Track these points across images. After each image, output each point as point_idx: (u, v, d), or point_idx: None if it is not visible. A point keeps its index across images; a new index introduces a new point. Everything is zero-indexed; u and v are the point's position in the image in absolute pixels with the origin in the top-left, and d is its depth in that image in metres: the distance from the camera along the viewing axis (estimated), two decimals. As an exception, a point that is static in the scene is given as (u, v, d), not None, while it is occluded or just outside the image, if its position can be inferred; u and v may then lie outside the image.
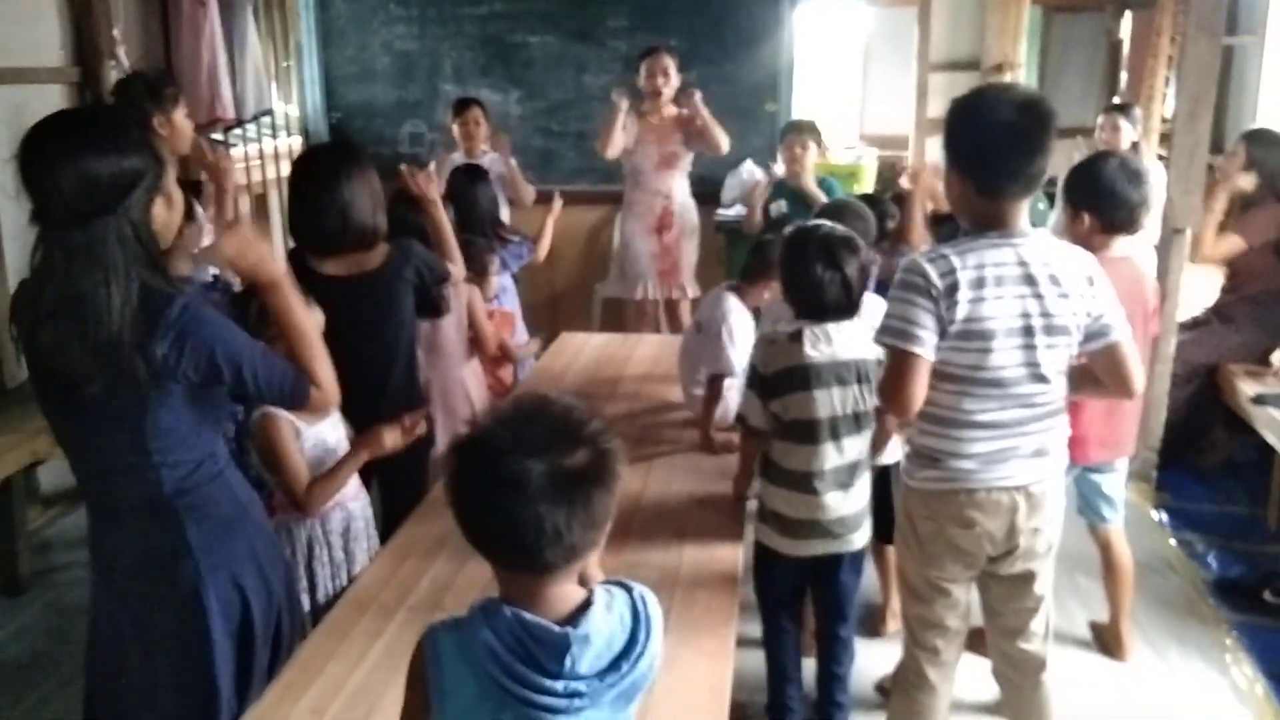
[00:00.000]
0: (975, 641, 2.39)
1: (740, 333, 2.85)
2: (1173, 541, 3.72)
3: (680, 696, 1.71)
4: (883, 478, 2.82)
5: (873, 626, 3.06)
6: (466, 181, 3.86)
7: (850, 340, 2.32)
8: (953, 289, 1.91)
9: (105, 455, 1.73)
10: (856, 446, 2.36)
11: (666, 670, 1.76)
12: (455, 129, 4.70)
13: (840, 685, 2.58)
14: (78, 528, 3.56)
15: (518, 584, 1.22)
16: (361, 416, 2.35)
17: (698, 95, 4.63)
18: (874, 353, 2.26)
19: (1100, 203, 2.65)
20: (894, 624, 3.04)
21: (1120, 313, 2.05)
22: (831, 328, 2.31)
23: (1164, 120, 6.12)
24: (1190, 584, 3.43)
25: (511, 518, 1.15)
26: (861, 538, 2.43)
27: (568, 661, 1.17)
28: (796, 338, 2.30)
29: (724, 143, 4.64)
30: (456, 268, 2.88)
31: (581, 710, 1.19)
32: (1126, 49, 7.44)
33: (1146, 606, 3.26)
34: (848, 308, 2.33)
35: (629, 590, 1.26)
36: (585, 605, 1.22)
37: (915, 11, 6.05)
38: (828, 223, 2.45)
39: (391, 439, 2.27)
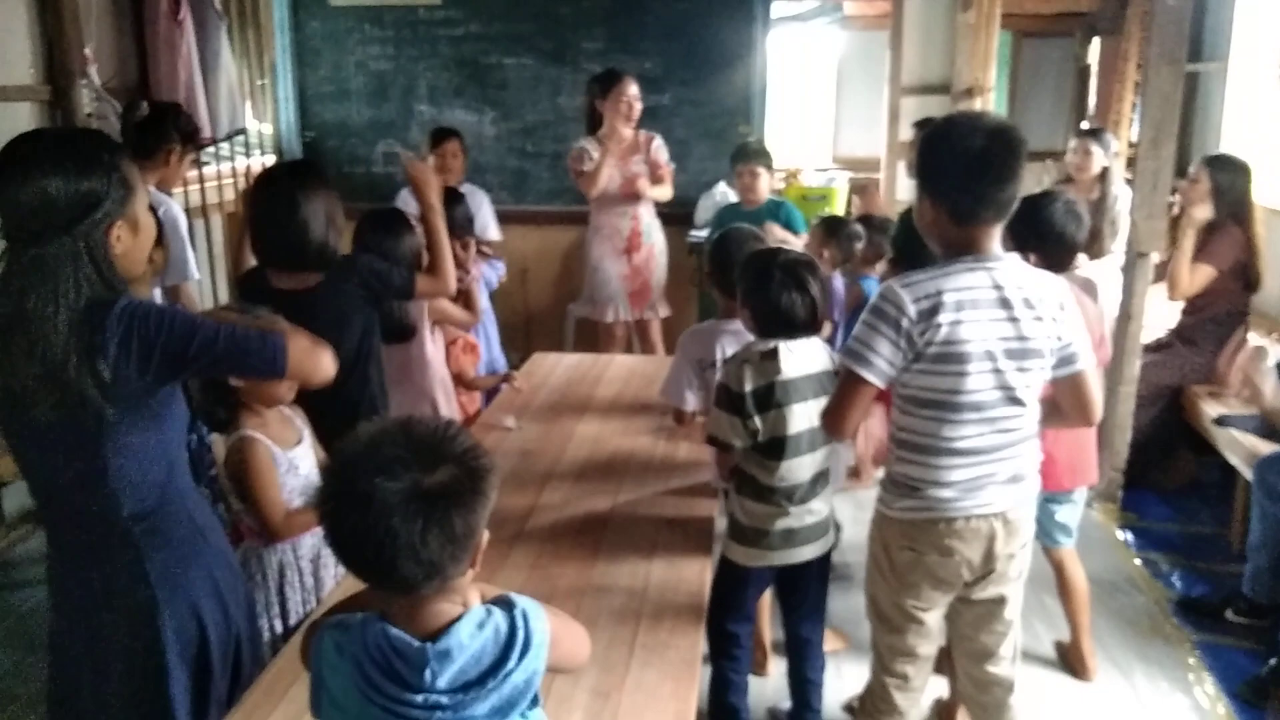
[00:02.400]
0: (938, 661, 2.40)
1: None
2: (1137, 561, 3.76)
3: (646, 718, 1.71)
4: None
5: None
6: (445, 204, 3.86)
7: (811, 353, 2.39)
8: (931, 312, 1.92)
9: (61, 477, 1.70)
10: (823, 455, 2.42)
11: (632, 691, 1.79)
12: (431, 160, 4.69)
13: (815, 691, 2.63)
14: (42, 550, 3.52)
15: (389, 601, 1.25)
16: (322, 433, 2.35)
17: (657, 142, 4.70)
18: (829, 364, 2.40)
19: (1045, 243, 2.68)
20: (830, 641, 2.99)
21: (1086, 341, 2.08)
22: (798, 343, 2.37)
23: (1131, 145, 6.22)
24: (1154, 603, 3.46)
25: (365, 534, 1.17)
26: (828, 541, 2.48)
27: (426, 675, 1.20)
28: (772, 355, 2.34)
29: (664, 197, 4.75)
30: (441, 283, 2.81)
31: None
32: (1095, 74, 7.57)
33: (1111, 625, 3.29)
34: (813, 326, 2.40)
35: (510, 608, 1.27)
36: (454, 622, 1.23)
37: (887, 35, 6.14)
38: (786, 247, 2.52)
39: None
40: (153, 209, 1.84)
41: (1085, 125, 7.02)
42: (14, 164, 1.59)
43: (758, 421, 2.32)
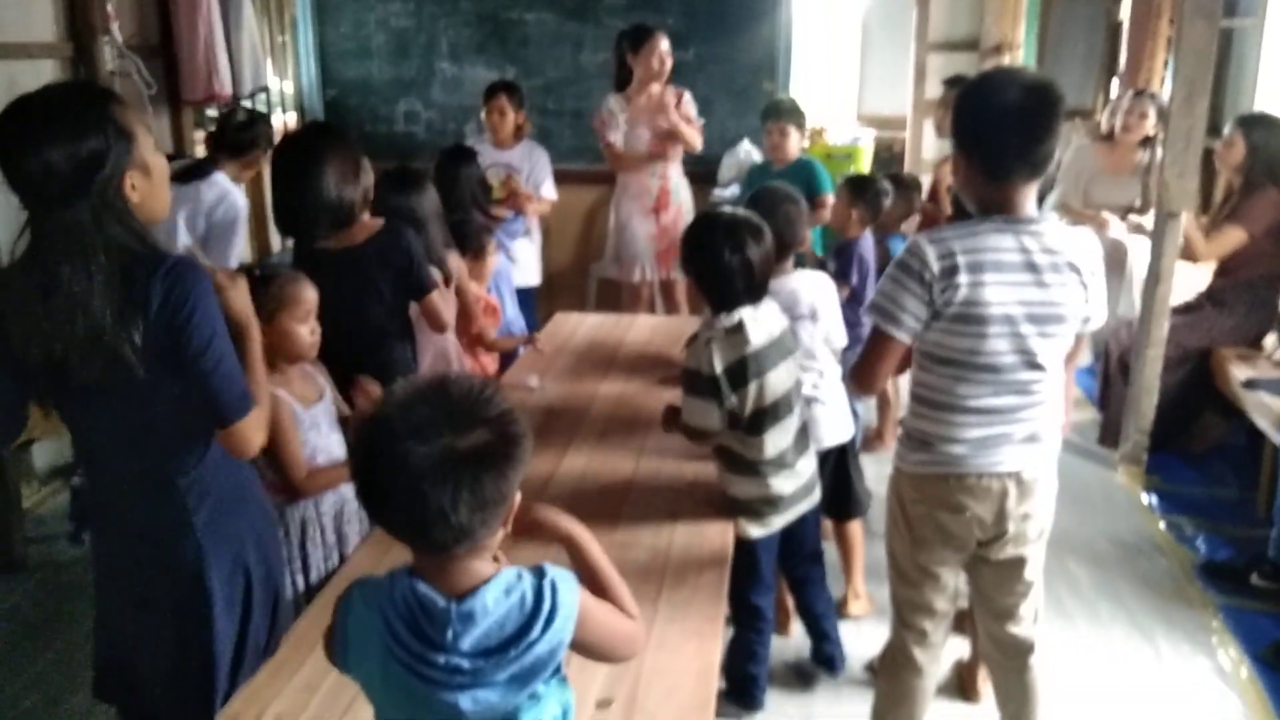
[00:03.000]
0: (959, 621, 2.42)
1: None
2: (1162, 524, 3.74)
3: (668, 677, 1.72)
4: (840, 457, 2.87)
5: (839, 611, 3.02)
6: (449, 162, 3.85)
7: (771, 316, 2.37)
8: (951, 271, 1.91)
9: (105, 434, 1.74)
10: (798, 415, 2.44)
11: (655, 649, 1.80)
12: (484, 115, 4.66)
13: (829, 621, 2.76)
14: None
15: (420, 557, 1.25)
16: (345, 393, 2.39)
17: (686, 97, 4.64)
18: (786, 322, 2.41)
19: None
20: (857, 605, 3.05)
21: (1104, 300, 2.07)
22: (760, 309, 2.33)
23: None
24: (1178, 567, 3.45)
25: (396, 497, 1.17)
26: (818, 494, 2.54)
27: (449, 635, 1.19)
28: (738, 329, 2.29)
29: (697, 144, 4.66)
30: (441, 316, 2.79)
31: (465, 688, 1.20)
32: (1126, 30, 7.41)
33: (1134, 588, 3.29)
34: (759, 290, 2.35)
35: (540, 576, 1.26)
36: (484, 583, 1.23)
37: (914, -9, 6.02)
38: (729, 209, 2.46)
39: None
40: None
41: (1115, 84, 6.90)
42: (13, 137, 1.58)
43: (734, 400, 2.29)
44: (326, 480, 2.24)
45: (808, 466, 2.47)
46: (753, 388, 2.29)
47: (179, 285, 1.62)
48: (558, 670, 1.28)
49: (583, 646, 1.30)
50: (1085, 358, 2.19)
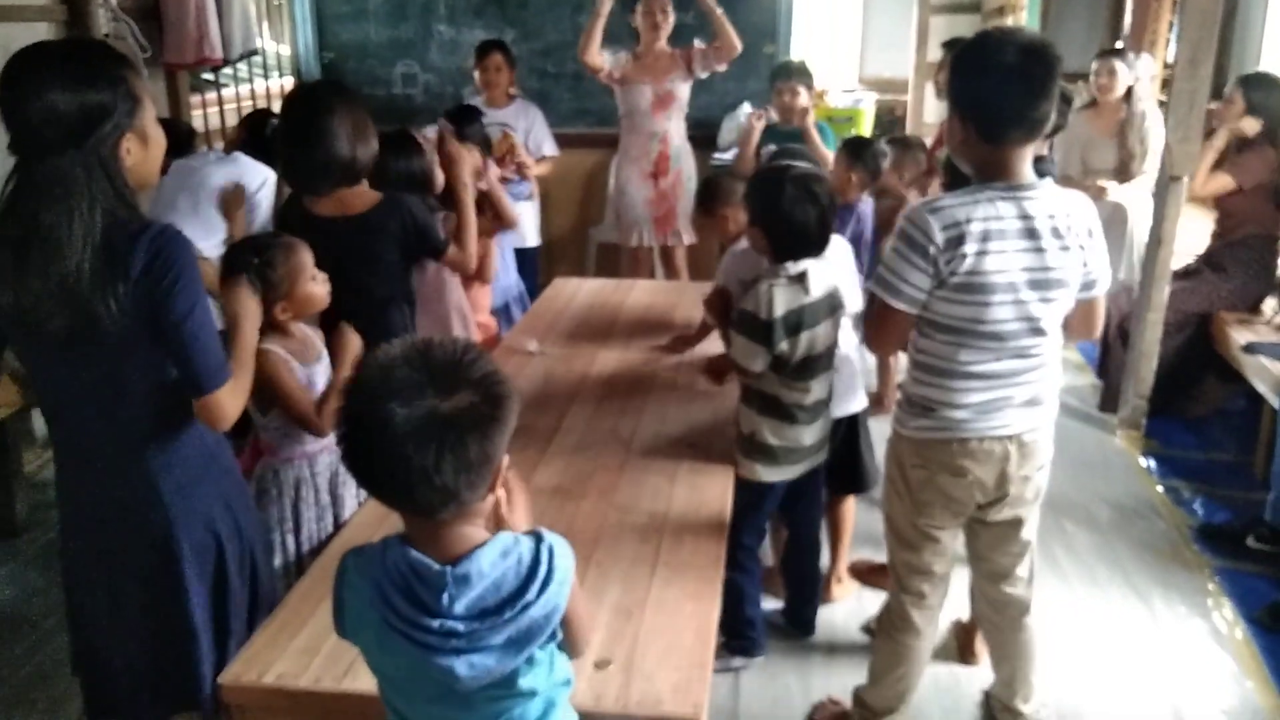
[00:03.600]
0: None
1: None
2: (1159, 488, 3.76)
3: (666, 637, 1.74)
4: (850, 429, 2.86)
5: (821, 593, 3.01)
6: (456, 121, 3.83)
7: (827, 271, 2.43)
8: (957, 241, 1.90)
9: (74, 394, 1.71)
10: (831, 370, 2.51)
11: (653, 611, 1.81)
12: (476, 75, 4.64)
13: (815, 585, 2.85)
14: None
15: (411, 524, 1.25)
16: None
17: (696, 41, 4.58)
18: (840, 282, 2.46)
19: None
20: (839, 589, 3.04)
21: (1107, 264, 2.06)
22: (821, 262, 2.39)
23: (1167, 66, 6.06)
24: (1175, 529, 3.47)
25: (380, 459, 1.17)
26: (827, 446, 2.61)
27: (444, 599, 1.20)
28: (801, 278, 2.35)
29: (737, 41, 4.51)
30: (465, 258, 2.78)
31: (461, 652, 1.20)
32: (1131, -8, 7.33)
33: (1131, 551, 3.31)
34: (824, 243, 2.41)
35: (539, 540, 1.26)
36: (478, 548, 1.23)
37: (917, -48, 5.95)
38: (795, 162, 2.51)
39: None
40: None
41: (1119, 45, 6.83)
42: (22, 77, 1.57)
43: (785, 346, 2.33)
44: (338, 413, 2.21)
45: (826, 422, 2.56)
46: (804, 337, 2.36)
47: (164, 252, 1.61)
48: (554, 637, 1.28)
49: (569, 620, 1.30)
50: (1100, 325, 2.18)
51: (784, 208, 2.34)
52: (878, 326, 2.08)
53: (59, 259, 1.55)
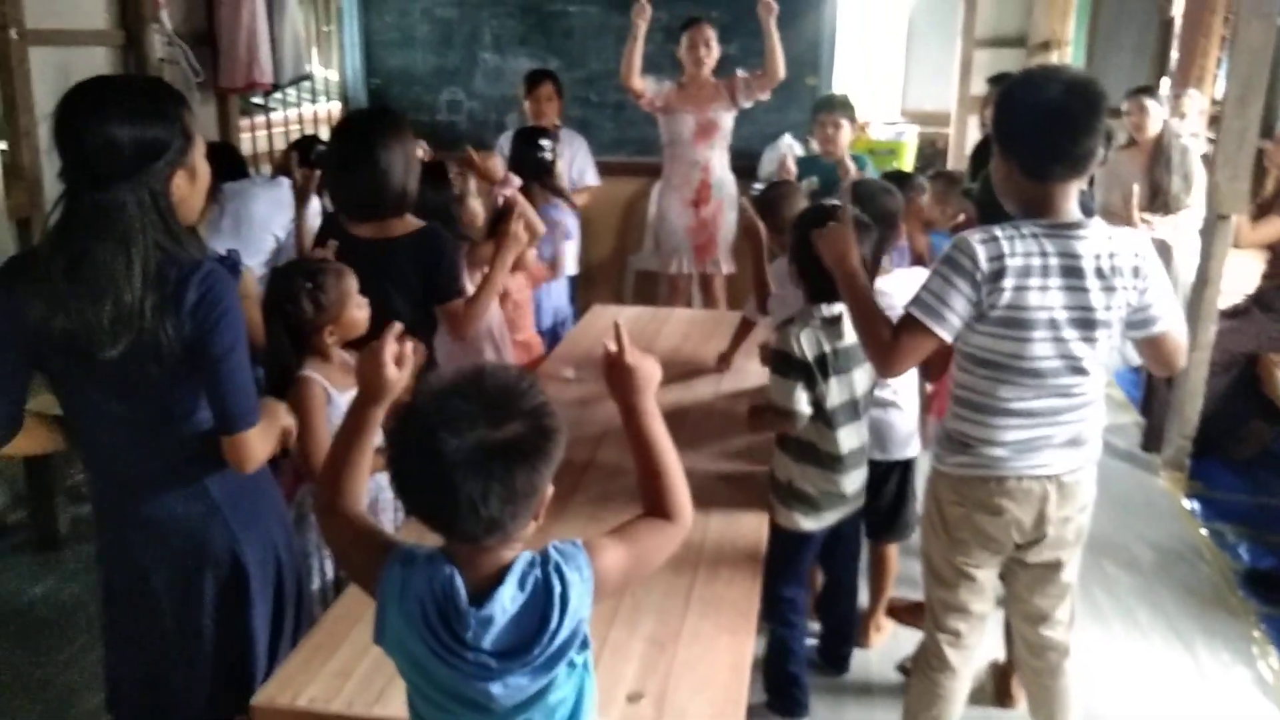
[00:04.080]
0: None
1: None
2: (1204, 531, 3.68)
3: (701, 672, 1.72)
4: (904, 474, 2.83)
5: (858, 638, 2.98)
6: (521, 143, 3.96)
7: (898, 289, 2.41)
8: (999, 274, 1.89)
9: (121, 421, 1.72)
10: (867, 415, 2.46)
11: (688, 642, 1.79)
12: (526, 104, 4.69)
13: (851, 623, 2.80)
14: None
15: (454, 545, 1.25)
16: None
17: (740, 72, 4.60)
18: None
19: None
20: (878, 637, 3.01)
21: (1171, 301, 2.02)
22: None
23: (1214, 102, 5.99)
24: (1219, 574, 3.39)
25: (428, 487, 1.18)
26: (864, 492, 2.54)
27: (470, 635, 1.20)
28: (836, 321, 2.32)
29: (782, 69, 4.52)
30: (466, 323, 2.71)
31: (495, 678, 1.21)
32: (1178, 27, 7.27)
33: (1174, 595, 3.24)
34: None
35: (545, 562, 1.25)
36: (503, 575, 1.23)
37: (961, -15, 5.95)
38: (837, 202, 2.45)
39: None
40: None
41: (1166, 82, 6.78)
42: (81, 109, 1.60)
43: (822, 388, 2.31)
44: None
45: (865, 468, 2.49)
46: (836, 382, 2.32)
47: (213, 290, 1.64)
48: (585, 643, 1.29)
49: (618, 590, 1.30)
50: (1182, 360, 2.13)
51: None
52: (904, 346, 1.98)
53: (116, 290, 1.58)
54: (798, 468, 2.40)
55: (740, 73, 4.63)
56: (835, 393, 2.33)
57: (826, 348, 2.31)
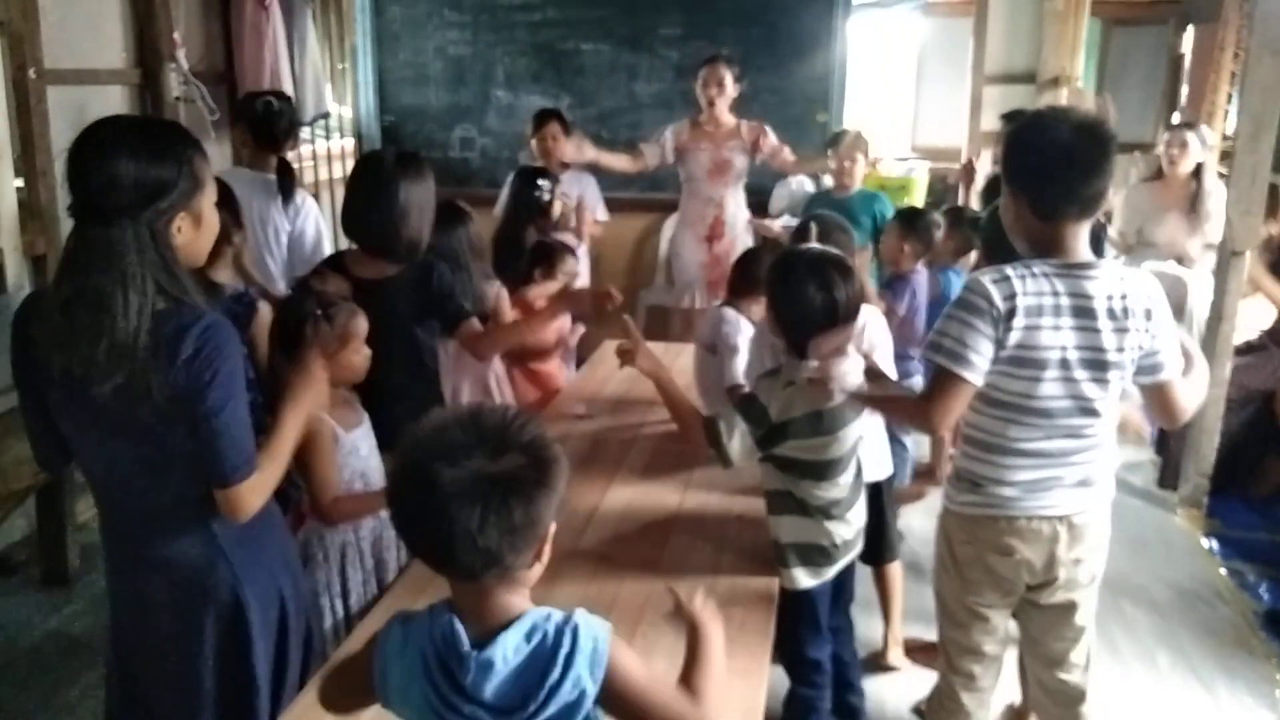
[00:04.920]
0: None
1: (744, 345, 2.81)
2: (1223, 570, 3.63)
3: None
4: (875, 496, 2.78)
5: (878, 662, 2.97)
6: (520, 182, 3.95)
7: (853, 371, 2.18)
8: (1011, 313, 1.88)
9: (123, 461, 1.71)
10: (858, 461, 2.33)
11: (699, 688, 1.77)
12: (533, 143, 4.73)
13: (855, 670, 2.66)
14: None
15: (456, 588, 1.24)
16: (377, 422, 2.37)
17: (768, 131, 4.65)
18: (862, 378, 2.17)
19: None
20: (896, 654, 2.99)
21: (1175, 348, 2.01)
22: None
23: (1225, 137, 6.00)
24: (1240, 615, 3.34)
25: (424, 518, 1.17)
26: (862, 535, 2.41)
27: (468, 681, 1.19)
28: (819, 380, 2.15)
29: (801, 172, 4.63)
30: (486, 339, 2.74)
31: None
32: (1188, 63, 7.31)
33: (1193, 636, 3.19)
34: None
35: (566, 620, 1.23)
36: (512, 621, 1.21)
37: (970, 22, 5.99)
38: (818, 245, 2.34)
39: None
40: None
41: (1176, 118, 6.79)
42: (91, 146, 1.62)
43: (799, 446, 2.17)
44: (352, 509, 2.22)
45: (861, 512, 2.36)
46: (825, 440, 2.17)
47: (209, 344, 1.62)
48: None
49: (618, 709, 1.25)
50: (1188, 411, 2.10)
51: (794, 295, 2.15)
52: (942, 401, 1.94)
53: (111, 324, 1.57)
54: (785, 520, 2.25)
55: (771, 135, 4.65)
56: (815, 449, 2.18)
57: (802, 410, 2.14)
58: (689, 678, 1.36)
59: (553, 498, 1.21)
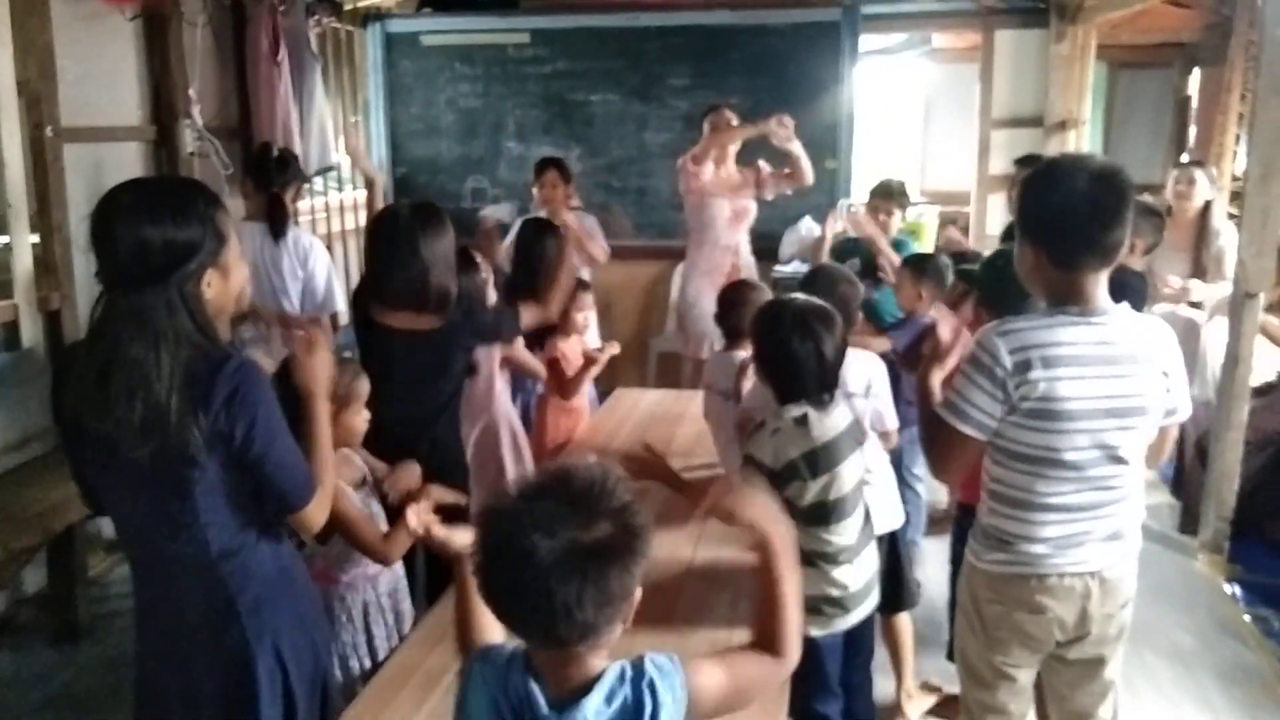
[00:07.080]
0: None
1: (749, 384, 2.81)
2: (1246, 617, 3.57)
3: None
4: (891, 545, 2.75)
5: (894, 713, 2.91)
6: (533, 234, 3.95)
7: (833, 415, 2.24)
8: (1025, 366, 1.85)
9: (150, 516, 1.73)
10: (864, 506, 2.34)
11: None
12: (535, 191, 4.76)
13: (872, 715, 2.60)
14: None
15: (536, 652, 1.23)
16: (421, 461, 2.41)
17: (761, 164, 4.65)
18: (851, 416, 2.28)
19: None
20: (912, 706, 2.93)
21: (1185, 389, 2.00)
22: (821, 411, 2.22)
23: (1234, 179, 6.00)
24: (1265, 662, 3.28)
25: (521, 592, 1.15)
26: (878, 587, 2.40)
27: None
28: (803, 421, 2.19)
29: (810, 175, 4.61)
30: (544, 307, 2.95)
31: None
32: (1195, 105, 7.34)
33: (1218, 685, 3.13)
34: (829, 383, 2.24)
35: (639, 678, 1.21)
36: (591, 685, 1.19)
37: (977, 68, 6.03)
38: (802, 296, 2.38)
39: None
40: None
41: (1185, 158, 6.80)
42: (114, 213, 1.63)
43: (794, 490, 2.19)
44: (402, 542, 2.18)
45: (872, 561, 2.34)
46: (824, 480, 2.19)
47: (243, 387, 1.65)
48: None
49: (710, 716, 1.26)
50: (1169, 452, 2.10)
51: (780, 345, 2.21)
52: (943, 452, 1.98)
53: (146, 390, 1.59)
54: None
55: (765, 167, 4.67)
56: (816, 492, 2.19)
57: (795, 453, 2.17)
58: (765, 627, 1.36)
59: (642, 563, 1.20)
